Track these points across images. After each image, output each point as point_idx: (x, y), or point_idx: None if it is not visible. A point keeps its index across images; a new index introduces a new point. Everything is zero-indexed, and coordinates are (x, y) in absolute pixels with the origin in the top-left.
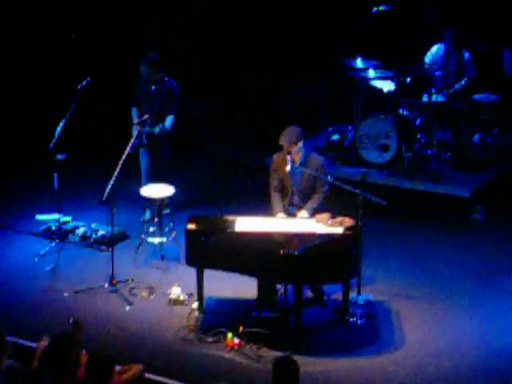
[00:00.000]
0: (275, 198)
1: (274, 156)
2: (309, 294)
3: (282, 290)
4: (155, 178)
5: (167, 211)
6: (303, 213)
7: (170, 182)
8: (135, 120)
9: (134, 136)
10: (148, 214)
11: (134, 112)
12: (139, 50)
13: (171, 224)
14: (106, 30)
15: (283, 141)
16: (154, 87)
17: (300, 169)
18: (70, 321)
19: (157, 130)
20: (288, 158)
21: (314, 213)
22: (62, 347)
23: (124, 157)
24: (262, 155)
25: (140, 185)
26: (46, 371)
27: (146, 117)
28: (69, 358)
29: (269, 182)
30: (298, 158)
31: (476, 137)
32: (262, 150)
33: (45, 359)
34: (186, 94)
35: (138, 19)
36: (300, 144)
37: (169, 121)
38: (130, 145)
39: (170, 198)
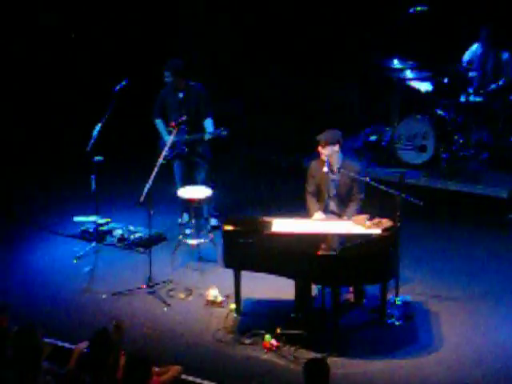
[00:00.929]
0: (311, 200)
1: (312, 162)
2: (348, 296)
3: (319, 292)
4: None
5: (214, 222)
6: (344, 218)
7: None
8: (171, 123)
9: (170, 140)
10: (186, 217)
11: (160, 124)
12: (169, 55)
13: (209, 226)
14: (140, 31)
15: (320, 137)
16: (181, 95)
17: (339, 171)
18: (113, 323)
19: (206, 136)
20: (326, 157)
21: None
22: (102, 348)
23: (161, 159)
24: (299, 157)
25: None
26: (84, 373)
27: (184, 118)
28: (108, 359)
29: (305, 187)
30: (336, 163)
31: None
32: (298, 152)
33: (84, 360)
34: (224, 95)
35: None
36: (337, 148)
37: (210, 125)
38: (166, 148)
39: (210, 200)
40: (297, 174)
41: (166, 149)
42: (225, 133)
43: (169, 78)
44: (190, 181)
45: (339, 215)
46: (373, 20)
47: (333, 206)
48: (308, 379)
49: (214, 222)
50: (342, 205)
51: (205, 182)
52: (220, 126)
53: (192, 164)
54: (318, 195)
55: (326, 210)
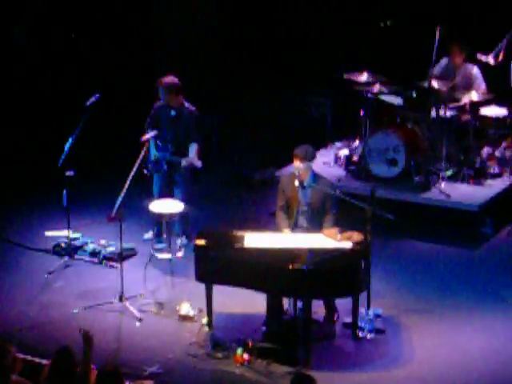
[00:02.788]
0: (281, 216)
1: (282, 176)
2: (319, 310)
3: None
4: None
5: (184, 242)
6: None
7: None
8: (144, 137)
9: (141, 156)
10: (149, 234)
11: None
12: (150, 66)
13: (180, 240)
14: (115, 43)
15: (299, 151)
16: (173, 113)
17: (310, 186)
18: (81, 332)
19: (183, 163)
20: (299, 171)
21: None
22: (66, 360)
23: (133, 173)
24: (270, 171)
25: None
26: None
27: (153, 133)
28: (73, 373)
29: (276, 201)
30: (307, 178)
31: (484, 151)
32: (271, 166)
33: (51, 375)
34: (199, 110)
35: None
36: (311, 164)
37: (193, 150)
38: (138, 161)
39: (186, 219)
40: (269, 188)
41: (139, 160)
42: (199, 165)
43: (162, 94)
44: (169, 196)
45: (308, 230)
46: (343, 34)
47: (302, 221)
48: None
49: (184, 241)
50: (312, 220)
51: (184, 201)
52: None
53: (173, 181)
54: (288, 210)
55: (295, 225)
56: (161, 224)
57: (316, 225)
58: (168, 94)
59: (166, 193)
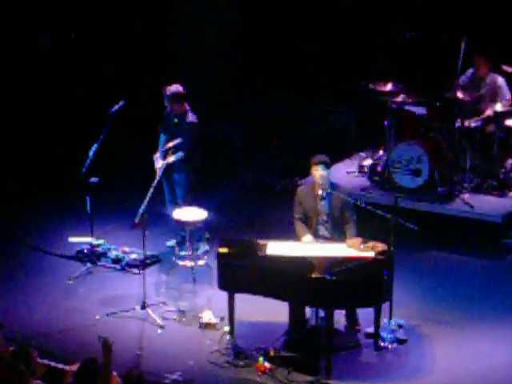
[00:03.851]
0: (300, 225)
1: (299, 189)
2: (341, 320)
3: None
4: (174, 204)
5: (207, 236)
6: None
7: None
8: (169, 145)
9: (159, 165)
10: (172, 241)
11: (161, 139)
12: (172, 75)
13: (203, 248)
14: (137, 54)
15: (322, 159)
16: (176, 120)
17: (331, 194)
18: (100, 340)
19: (158, 165)
20: (324, 179)
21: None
22: (91, 372)
23: (156, 180)
24: (293, 180)
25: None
26: None
27: (178, 140)
28: (97, 382)
29: (293, 213)
30: (326, 187)
31: (509, 162)
32: (292, 175)
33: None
34: (217, 118)
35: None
36: (331, 171)
37: (178, 155)
38: (160, 169)
39: (204, 222)
40: (292, 197)
41: (159, 172)
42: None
43: (167, 104)
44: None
45: (330, 240)
46: (368, 44)
47: (323, 230)
48: None
49: (206, 247)
50: (333, 229)
51: (184, 199)
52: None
53: (171, 181)
54: (307, 222)
55: (316, 236)
56: (184, 231)
57: (337, 233)
58: (170, 102)
59: (171, 199)
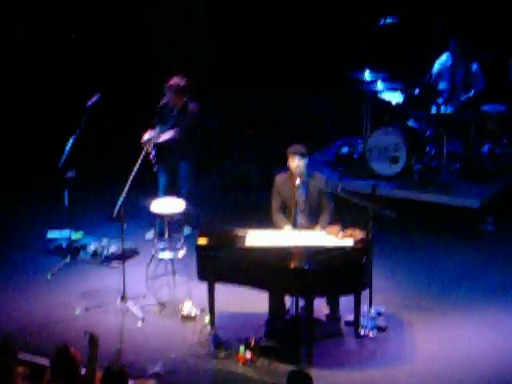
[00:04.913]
0: (279, 215)
1: (277, 177)
2: (322, 307)
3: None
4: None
5: (188, 231)
6: (319, 228)
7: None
8: (143, 139)
9: (141, 156)
10: (150, 234)
11: (157, 127)
12: (146, 66)
13: (182, 239)
14: (112, 45)
15: (299, 149)
16: (175, 112)
17: (308, 183)
18: (86, 336)
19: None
20: (301, 169)
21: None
22: (66, 360)
23: (134, 172)
24: (271, 170)
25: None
26: None
27: (152, 135)
28: (74, 372)
29: (271, 202)
30: (303, 176)
31: (485, 147)
32: (270, 165)
33: (53, 376)
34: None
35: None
36: (307, 160)
37: (166, 134)
38: (139, 161)
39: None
40: (270, 187)
41: (140, 160)
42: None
43: (168, 96)
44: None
45: (308, 228)
46: (344, 32)
47: (302, 219)
48: None
49: (187, 230)
50: (311, 217)
51: (187, 196)
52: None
53: (177, 176)
54: (285, 210)
55: (294, 225)
56: (162, 223)
57: (314, 222)
58: (171, 95)
59: (171, 189)
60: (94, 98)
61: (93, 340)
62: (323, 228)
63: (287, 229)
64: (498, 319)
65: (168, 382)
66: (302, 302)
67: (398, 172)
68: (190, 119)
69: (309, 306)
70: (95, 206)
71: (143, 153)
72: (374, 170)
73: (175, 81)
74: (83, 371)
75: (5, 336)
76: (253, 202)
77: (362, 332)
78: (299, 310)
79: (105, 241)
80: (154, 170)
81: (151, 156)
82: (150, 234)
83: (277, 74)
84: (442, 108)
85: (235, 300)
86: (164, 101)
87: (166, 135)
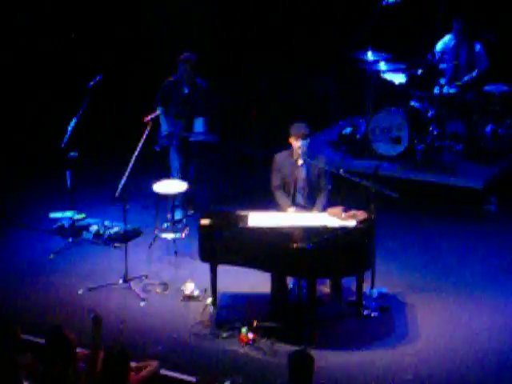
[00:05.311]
0: (281, 194)
1: (277, 155)
2: (325, 289)
3: (295, 284)
4: (185, 177)
5: (192, 212)
6: (316, 210)
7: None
8: (146, 118)
9: (144, 136)
10: (179, 214)
11: (161, 110)
12: (145, 46)
13: (184, 220)
14: (113, 25)
15: (303, 129)
16: (186, 90)
17: (311, 161)
18: (90, 315)
19: (193, 137)
20: (303, 149)
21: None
22: (60, 340)
23: (137, 153)
24: (274, 150)
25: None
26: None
27: (157, 113)
28: (68, 351)
29: (271, 181)
30: (305, 156)
31: (488, 128)
32: (273, 145)
33: (48, 356)
34: None
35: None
36: (308, 140)
37: (200, 125)
38: (142, 141)
39: (188, 196)
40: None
41: (142, 139)
42: (212, 139)
43: (185, 71)
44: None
45: (306, 208)
46: (347, 12)
47: (300, 198)
48: (292, 371)
49: (178, 215)
50: (308, 197)
51: (195, 175)
52: (212, 130)
53: (187, 157)
54: (284, 189)
55: (293, 203)
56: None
57: (313, 202)
58: (187, 69)
59: (183, 171)
60: (96, 79)
61: (97, 320)
62: (322, 211)
63: (290, 211)
64: (501, 299)
65: (170, 361)
66: (304, 283)
67: (401, 152)
68: (209, 96)
69: (311, 286)
70: (98, 187)
71: (146, 133)
72: (376, 150)
73: (189, 55)
74: (80, 351)
75: (6, 319)
76: (256, 183)
77: (364, 313)
78: (302, 291)
79: (107, 221)
80: (157, 149)
81: (158, 143)
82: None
83: (280, 54)
84: (445, 88)
85: (237, 280)
86: (172, 79)
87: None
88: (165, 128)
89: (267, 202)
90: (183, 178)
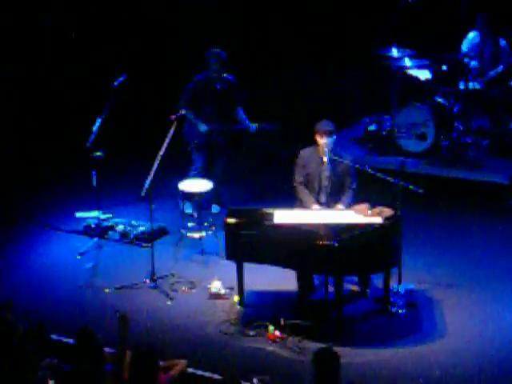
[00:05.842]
0: (304, 192)
1: (302, 152)
2: (353, 286)
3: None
4: (211, 177)
5: (216, 210)
6: (340, 207)
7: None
8: (171, 116)
9: (170, 135)
10: (188, 207)
11: (190, 113)
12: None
13: (211, 218)
14: (138, 23)
15: (329, 126)
16: (218, 86)
17: (336, 159)
18: (117, 315)
19: (253, 127)
20: (329, 147)
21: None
22: (88, 340)
23: (162, 152)
24: (298, 148)
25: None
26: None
27: (183, 112)
28: (99, 352)
29: (294, 177)
30: (330, 154)
31: None
32: (297, 143)
33: (76, 356)
34: None
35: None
36: (335, 137)
37: (243, 115)
38: (167, 140)
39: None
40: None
41: (168, 138)
42: (273, 127)
43: (214, 67)
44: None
45: (329, 206)
46: (371, 8)
47: (323, 196)
48: (317, 369)
49: (215, 209)
50: (332, 195)
51: (221, 175)
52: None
53: (212, 156)
54: (308, 186)
55: (316, 200)
56: (191, 202)
57: (335, 201)
58: (221, 66)
59: (208, 170)
60: (121, 78)
61: (124, 320)
62: (347, 207)
63: (315, 208)
64: None
65: (198, 360)
66: (331, 280)
67: (426, 148)
68: (238, 89)
69: (338, 283)
70: (124, 187)
71: (171, 132)
72: (402, 146)
73: (221, 51)
74: (108, 351)
75: (35, 319)
76: (281, 181)
77: (391, 309)
78: (329, 288)
79: (134, 221)
80: (190, 149)
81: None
82: (188, 208)
83: (307, 50)
84: (470, 84)
85: (264, 278)
86: (199, 78)
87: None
88: (202, 126)
89: (292, 201)
90: (207, 176)
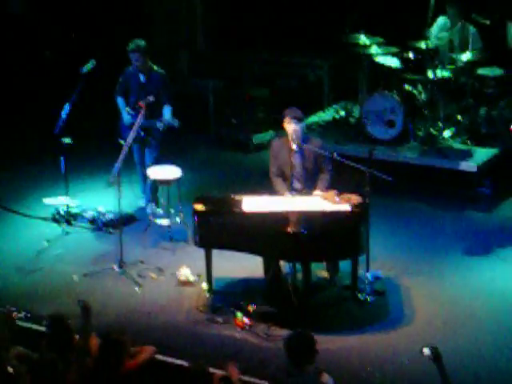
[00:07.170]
0: (278, 181)
1: (273, 142)
2: (322, 272)
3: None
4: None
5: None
6: (317, 193)
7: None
8: (140, 103)
9: (139, 119)
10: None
11: (121, 102)
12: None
13: (179, 205)
14: (107, 10)
15: (296, 113)
16: (143, 77)
17: (304, 145)
18: (80, 304)
19: (161, 125)
20: (297, 133)
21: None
22: (62, 327)
23: (130, 139)
24: (267, 135)
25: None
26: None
27: (151, 98)
28: (70, 338)
29: (269, 168)
30: (299, 141)
31: (482, 111)
32: (266, 130)
33: (49, 342)
34: (189, 75)
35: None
36: (303, 124)
37: (168, 113)
38: (135, 128)
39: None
40: (266, 152)
41: (135, 129)
42: (176, 124)
43: (136, 59)
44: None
45: (305, 192)
46: None
47: (298, 184)
48: (291, 352)
49: (141, 203)
50: (307, 182)
51: (155, 162)
52: (174, 116)
53: (145, 145)
54: (283, 175)
55: (292, 189)
56: (156, 190)
57: (311, 186)
58: (143, 57)
59: (143, 164)
60: (89, 64)
61: (86, 308)
62: (321, 192)
63: (286, 195)
64: (495, 282)
65: (166, 347)
66: (299, 267)
67: (395, 136)
68: (168, 83)
69: (306, 270)
70: (92, 173)
71: (139, 117)
72: (370, 134)
73: (141, 42)
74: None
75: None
76: (249, 169)
77: (359, 296)
78: (296, 275)
79: (102, 207)
80: (120, 141)
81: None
82: (143, 201)
83: (274, 37)
84: (439, 71)
85: (232, 265)
86: (127, 70)
87: (172, 119)
88: (127, 119)
89: (261, 187)
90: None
